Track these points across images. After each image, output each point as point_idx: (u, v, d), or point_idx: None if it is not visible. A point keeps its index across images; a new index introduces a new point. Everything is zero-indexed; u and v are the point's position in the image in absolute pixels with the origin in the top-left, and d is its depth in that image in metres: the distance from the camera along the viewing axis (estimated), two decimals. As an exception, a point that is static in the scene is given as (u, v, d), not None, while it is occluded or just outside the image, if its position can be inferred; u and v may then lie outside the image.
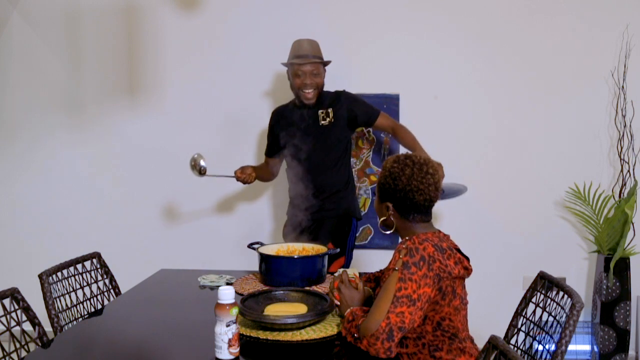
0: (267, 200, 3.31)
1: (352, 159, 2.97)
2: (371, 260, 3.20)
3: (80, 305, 2.07)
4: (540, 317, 1.76)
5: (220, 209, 3.32)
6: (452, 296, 1.48)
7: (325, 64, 2.62)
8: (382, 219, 1.62)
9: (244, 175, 2.62)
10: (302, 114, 2.65)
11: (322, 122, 2.62)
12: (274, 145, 2.75)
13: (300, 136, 2.62)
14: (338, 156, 2.65)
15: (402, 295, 1.38)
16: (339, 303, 1.62)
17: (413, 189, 1.52)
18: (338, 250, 2.13)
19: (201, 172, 2.50)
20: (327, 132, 2.62)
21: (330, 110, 2.62)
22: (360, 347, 1.41)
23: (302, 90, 2.57)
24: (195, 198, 3.31)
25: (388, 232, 1.62)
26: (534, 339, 1.73)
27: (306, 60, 2.55)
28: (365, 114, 2.67)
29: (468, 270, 1.52)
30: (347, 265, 2.62)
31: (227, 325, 1.35)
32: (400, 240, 1.62)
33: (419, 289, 1.39)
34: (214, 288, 2.03)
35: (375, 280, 1.81)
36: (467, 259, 1.56)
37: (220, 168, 2.68)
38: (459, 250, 1.56)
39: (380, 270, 1.84)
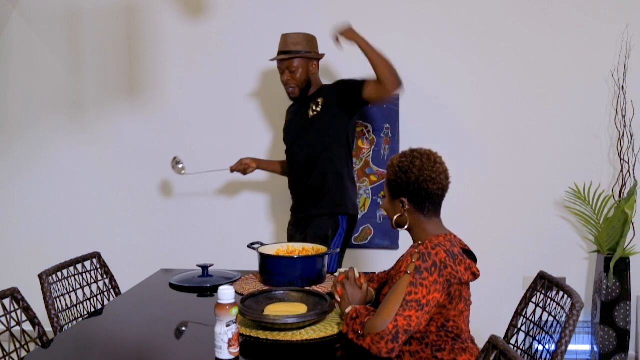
0: (268, 200, 3.31)
1: (352, 159, 2.87)
2: (371, 260, 3.20)
3: (80, 305, 2.07)
4: (540, 317, 1.76)
5: (221, 209, 3.31)
6: (459, 300, 1.49)
7: (306, 57, 2.55)
8: (396, 216, 1.60)
9: (237, 165, 2.64)
10: (298, 108, 2.66)
11: (312, 113, 2.56)
12: None
13: (290, 130, 2.65)
14: (325, 148, 2.53)
15: (411, 300, 1.39)
16: (339, 299, 1.62)
17: (426, 179, 1.53)
18: (338, 250, 2.12)
19: (180, 171, 2.78)
20: (313, 123, 2.54)
21: (320, 100, 2.57)
22: (362, 345, 1.41)
23: (285, 87, 2.62)
24: (195, 198, 3.31)
25: (404, 229, 1.61)
26: (534, 339, 1.73)
27: (277, 57, 2.59)
28: (350, 86, 2.50)
29: (476, 276, 1.53)
30: (331, 268, 2.47)
31: (227, 325, 1.35)
32: (412, 240, 1.63)
33: (428, 295, 1.40)
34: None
35: (378, 282, 1.81)
36: (475, 259, 1.57)
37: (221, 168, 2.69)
38: (467, 252, 1.57)
39: (385, 272, 1.84)
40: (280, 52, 2.60)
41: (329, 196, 2.54)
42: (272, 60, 2.63)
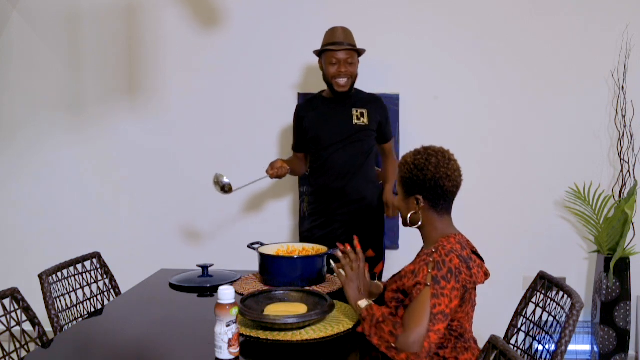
0: (267, 200, 3.31)
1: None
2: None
3: (80, 305, 2.07)
4: (540, 317, 1.76)
5: (220, 209, 3.31)
6: (468, 302, 1.51)
7: (360, 53, 2.54)
8: (410, 213, 1.60)
9: (275, 170, 2.46)
10: (335, 108, 2.56)
11: (357, 121, 2.53)
12: (303, 139, 2.64)
13: (331, 132, 2.53)
14: (367, 155, 2.57)
15: (438, 312, 1.39)
16: (339, 269, 1.66)
17: (442, 177, 1.53)
18: (338, 250, 2.11)
19: (225, 189, 2.37)
20: (361, 132, 2.53)
21: (364, 111, 2.55)
22: (393, 356, 1.39)
23: (336, 79, 2.48)
24: (194, 198, 3.31)
25: (415, 227, 1.61)
26: (534, 339, 1.73)
27: (341, 47, 2.46)
28: (386, 132, 2.65)
29: (488, 275, 1.54)
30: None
31: (227, 325, 1.35)
32: (421, 237, 1.63)
33: (450, 303, 1.41)
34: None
35: (383, 283, 1.81)
36: (482, 259, 1.57)
37: (220, 169, 2.68)
38: (475, 254, 1.57)
39: (396, 276, 1.83)
40: (335, 44, 2.48)
41: (377, 200, 2.61)
42: (338, 49, 2.46)
